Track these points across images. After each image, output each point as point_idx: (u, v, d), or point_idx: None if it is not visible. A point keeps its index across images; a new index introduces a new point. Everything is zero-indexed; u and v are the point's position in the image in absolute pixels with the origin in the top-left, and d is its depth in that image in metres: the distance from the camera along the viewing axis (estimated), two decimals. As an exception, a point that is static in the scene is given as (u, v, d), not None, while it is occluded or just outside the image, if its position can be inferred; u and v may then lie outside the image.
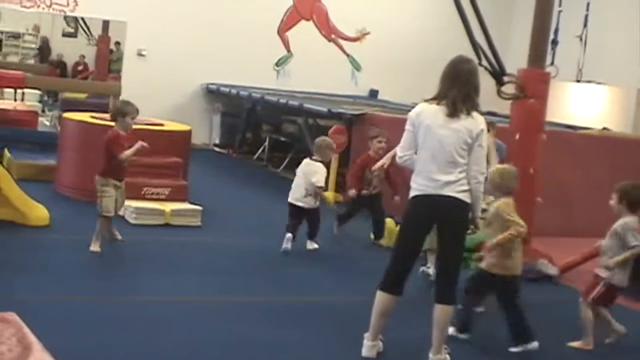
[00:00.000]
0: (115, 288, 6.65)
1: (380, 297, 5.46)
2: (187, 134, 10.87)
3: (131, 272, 7.18)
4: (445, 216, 5.32)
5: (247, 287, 7.03)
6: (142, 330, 5.70)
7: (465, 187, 5.31)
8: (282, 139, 15.77)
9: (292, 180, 8.63)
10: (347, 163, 12.34)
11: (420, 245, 5.49)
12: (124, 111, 7.96)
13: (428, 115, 5.34)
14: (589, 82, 16.27)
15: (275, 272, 7.64)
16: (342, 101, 15.91)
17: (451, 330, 5.90)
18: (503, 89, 8.59)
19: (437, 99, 5.37)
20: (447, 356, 5.53)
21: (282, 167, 14.66)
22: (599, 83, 17.05)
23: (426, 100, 5.45)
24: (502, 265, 6.02)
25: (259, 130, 16.85)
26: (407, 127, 5.43)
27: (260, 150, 16.09)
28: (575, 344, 6.35)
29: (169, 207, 9.30)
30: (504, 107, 10.12)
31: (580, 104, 18.03)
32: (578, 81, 14.57)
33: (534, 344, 5.99)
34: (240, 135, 16.87)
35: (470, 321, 6.18)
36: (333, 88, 17.67)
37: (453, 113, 5.28)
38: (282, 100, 14.79)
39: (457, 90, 5.30)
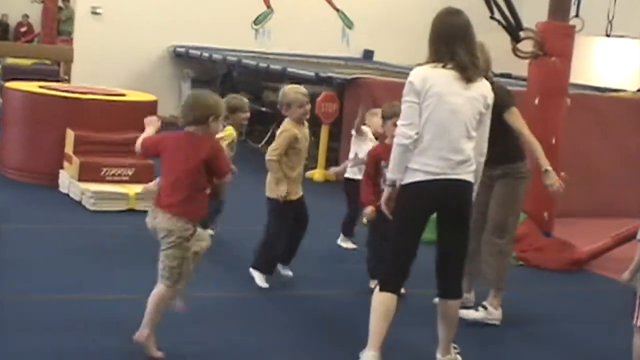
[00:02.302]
0: (70, 285, 6.67)
1: (381, 299, 5.31)
2: (153, 105, 10.89)
3: (89, 266, 7.21)
4: (454, 202, 5.29)
5: (220, 281, 7.07)
6: (97, 331, 5.76)
7: (474, 166, 5.32)
8: (263, 109, 15.78)
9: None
10: (339, 136, 12.40)
11: (420, 237, 5.38)
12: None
13: (437, 81, 5.19)
14: (620, 36, 16.32)
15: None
16: (332, 64, 15.95)
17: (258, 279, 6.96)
18: (519, 46, 8.65)
19: (439, 61, 5.25)
20: (458, 356, 5.60)
21: (263, 142, 14.69)
22: (633, 37, 17.11)
23: (422, 64, 5.31)
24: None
25: (236, 100, 16.85)
26: (409, 98, 5.22)
27: (237, 123, 16.10)
28: None
29: (133, 190, 9.34)
30: (521, 68, 10.18)
31: (611, 63, 18.09)
32: (608, 36, 14.58)
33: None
34: (214, 105, 16.86)
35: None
36: (321, 49, 17.68)
37: (467, 77, 5.22)
38: (262, 65, 14.81)
39: (464, 49, 5.23)
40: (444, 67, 5.23)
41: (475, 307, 6.73)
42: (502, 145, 6.46)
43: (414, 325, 6.20)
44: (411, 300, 6.54)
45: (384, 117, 7.22)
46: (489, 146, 6.68)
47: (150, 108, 10.78)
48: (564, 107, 8.93)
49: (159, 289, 5.43)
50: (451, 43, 5.24)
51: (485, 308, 6.68)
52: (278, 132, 7.05)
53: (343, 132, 12.40)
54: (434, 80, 5.20)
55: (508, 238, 6.77)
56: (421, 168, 5.19)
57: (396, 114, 7.11)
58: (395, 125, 7.03)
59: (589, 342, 6.57)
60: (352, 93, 12.34)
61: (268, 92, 16.38)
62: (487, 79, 6.64)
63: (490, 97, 5.37)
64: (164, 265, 5.40)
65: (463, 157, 5.22)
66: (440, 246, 5.44)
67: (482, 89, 5.33)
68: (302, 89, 7.18)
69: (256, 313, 6.44)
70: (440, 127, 5.18)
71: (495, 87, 6.59)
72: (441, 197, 5.25)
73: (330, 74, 13.02)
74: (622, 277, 5.49)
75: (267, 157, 6.94)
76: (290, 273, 7.26)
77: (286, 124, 7.02)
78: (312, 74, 13.33)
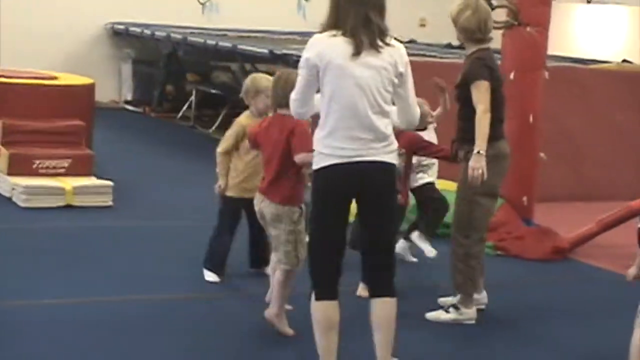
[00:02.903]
0: (5, 290, 6.66)
1: (321, 310, 5.17)
2: (89, 89, 10.83)
3: (25, 269, 7.19)
4: (372, 187, 5.12)
5: (176, 283, 7.07)
6: (34, 342, 5.73)
7: (394, 146, 5.17)
8: (213, 91, 15.76)
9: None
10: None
11: (344, 226, 5.24)
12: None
13: (336, 51, 5.02)
14: (602, 2, 16.44)
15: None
16: (288, 40, 15.91)
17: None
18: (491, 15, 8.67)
19: (338, 28, 5.06)
20: None
21: (214, 127, 14.66)
22: (616, 3, 17.23)
23: (321, 32, 5.15)
24: None
25: (182, 82, 16.81)
26: (303, 72, 5.11)
27: (185, 107, 16.07)
28: None
29: (70, 183, 9.30)
30: (494, 40, 10.22)
31: (593, 32, 18.20)
32: (588, 2, 14.74)
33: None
34: (158, 88, 16.81)
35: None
36: (275, 23, 17.63)
37: (358, 47, 5.01)
38: (211, 42, 14.76)
39: (359, 15, 5.02)
40: (343, 34, 5.06)
41: (446, 308, 6.66)
42: (470, 123, 6.40)
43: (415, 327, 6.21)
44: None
45: None
46: (458, 123, 6.66)
47: (86, 92, 10.74)
48: (542, 81, 8.98)
49: (278, 275, 6.02)
50: (346, 7, 5.07)
51: (457, 308, 6.61)
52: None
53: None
54: (333, 51, 5.05)
55: (476, 237, 6.61)
56: (334, 152, 5.05)
57: None
58: None
59: (576, 336, 6.59)
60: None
61: (218, 72, 16.36)
62: (481, 41, 6.63)
63: (402, 64, 5.11)
64: (281, 250, 5.97)
65: (377, 135, 5.06)
66: (363, 239, 5.31)
67: (393, 55, 5.09)
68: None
69: (225, 315, 6.47)
70: (346, 105, 5.03)
71: (471, 59, 6.60)
72: (358, 181, 5.08)
73: (286, 51, 13.01)
74: (628, 274, 5.47)
75: (217, 149, 7.07)
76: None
77: (243, 115, 7.09)
78: (266, 51, 13.31)
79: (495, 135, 6.48)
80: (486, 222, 6.74)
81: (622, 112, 11.90)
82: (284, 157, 5.84)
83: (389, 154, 5.12)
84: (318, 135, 5.12)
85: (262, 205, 6.01)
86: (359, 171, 5.06)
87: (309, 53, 5.10)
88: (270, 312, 6.08)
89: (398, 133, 6.92)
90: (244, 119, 7.05)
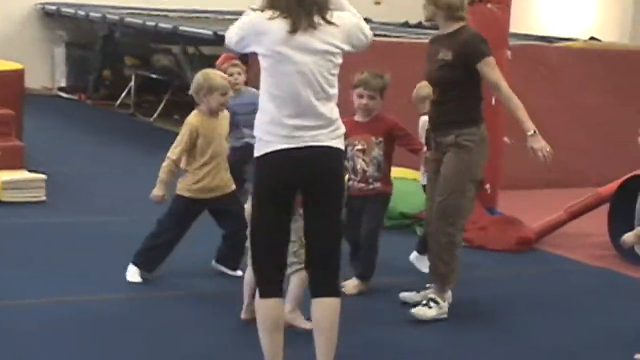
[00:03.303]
0: None
1: (264, 307, 5.15)
2: (19, 75, 10.77)
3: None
4: (318, 174, 5.10)
5: (115, 282, 7.04)
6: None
7: (341, 131, 5.15)
8: (153, 76, 15.71)
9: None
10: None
11: (288, 217, 5.22)
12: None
13: (274, 35, 5.01)
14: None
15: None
16: (234, 20, 15.87)
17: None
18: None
19: (275, 8, 5.03)
20: None
21: (155, 115, 14.62)
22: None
23: (258, 9, 5.12)
24: None
25: (120, 66, 16.76)
26: (241, 43, 5.18)
27: (124, 93, 16.00)
28: None
29: (-2, 177, 9.26)
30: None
31: (558, 8, 18.30)
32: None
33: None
34: (94, 73, 16.74)
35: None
36: (220, 3, 17.62)
37: (294, 27, 4.99)
38: (150, 23, 14.71)
39: None
40: (280, 15, 5.03)
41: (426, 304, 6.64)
42: (457, 105, 6.48)
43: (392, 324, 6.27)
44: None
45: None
46: (440, 106, 6.67)
47: (15, 79, 10.68)
48: (505, 61, 9.01)
49: (299, 276, 6.02)
50: None
51: (437, 302, 6.61)
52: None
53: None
54: (271, 36, 5.03)
55: (459, 225, 6.67)
56: (276, 139, 5.04)
57: (363, 83, 7.09)
58: (360, 96, 7.03)
59: (557, 328, 6.60)
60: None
61: (158, 55, 16.31)
62: (462, 19, 6.63)
63: (344, 41, 5.09)
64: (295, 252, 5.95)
65: (322, 122, 5.06)
66: (307, 232, 5.25)
67: (336, 35, 5.07)
68: (224, 74, 7.33)
69: (180, 314, 6.48)
70: (288, 92, 5.04)
71: (465, 36, 6.60)
72: (302, 167, 5.06)
73: (231, 32, 12.97)
74: (624, 240, 5.74)
75: (168, 154, 6.98)
76: (238, 273, 7.19)
77: (192, 115, 7.03)
78: (209, 32, 13.27)
79: (480, 117, 6.64)
80: (472, 209, 6.88)
81: (592, 92, 11.96)
82: None
83: (335, 139, 5.09)
84: (259, 121, 5.09)
85: None
86: (303, 156, 5.04)
87: (247, 32, 5.13)
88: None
89: (378, 119, 7.06)
90: (194, 119, 7.00)
